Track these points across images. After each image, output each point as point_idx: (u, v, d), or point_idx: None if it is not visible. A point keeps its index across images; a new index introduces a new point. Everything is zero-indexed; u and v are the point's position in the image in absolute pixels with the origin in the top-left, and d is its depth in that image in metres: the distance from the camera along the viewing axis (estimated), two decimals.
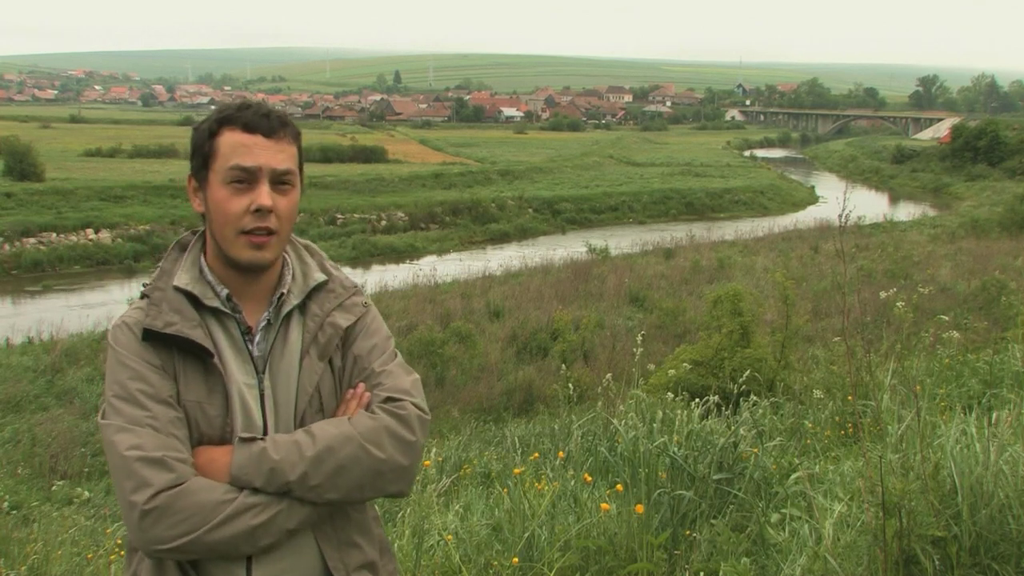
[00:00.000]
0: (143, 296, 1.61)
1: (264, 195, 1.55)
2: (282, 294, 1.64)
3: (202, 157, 1.58)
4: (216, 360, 1.55)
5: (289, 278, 1.66)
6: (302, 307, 1.66)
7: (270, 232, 1.57)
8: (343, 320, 1.67)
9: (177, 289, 1.57)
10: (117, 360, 1.54)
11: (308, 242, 1.77)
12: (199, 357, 1.55)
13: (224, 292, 1.60)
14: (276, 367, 1.61)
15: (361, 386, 1.64)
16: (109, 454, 1.48)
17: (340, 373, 1.66)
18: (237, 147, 1.54)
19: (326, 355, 1.64)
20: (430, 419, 1.67)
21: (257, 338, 1.62)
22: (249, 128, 1.55)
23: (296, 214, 1.64)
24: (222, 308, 1.60)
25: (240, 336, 1.61)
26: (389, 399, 1.62)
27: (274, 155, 1.56)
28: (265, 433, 1.57)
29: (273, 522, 1.49)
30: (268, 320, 1.63)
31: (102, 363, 17.59)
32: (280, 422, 1.59)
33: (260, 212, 1.55)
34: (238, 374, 1.58)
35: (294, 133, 1.62)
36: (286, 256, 1.69)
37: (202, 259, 1.64)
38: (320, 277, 1.69)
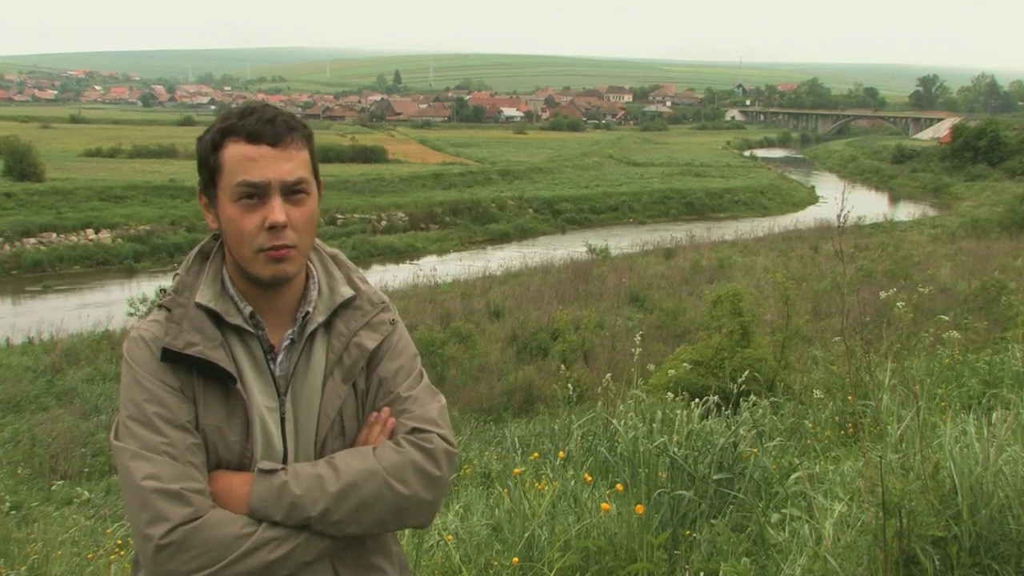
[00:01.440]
0: (160, 307, 1.53)
1: (276, 211, 1.45)
2: (308, 312, 1.56)
3: (208, 172, 1.49)
4: (239, 386, 1.48)
5: (314, 294, 1.58)
6: (327, 324, 1.58)
7: (288, 246, 1.48)
8: (369, 341, 1.58)
9: (199, 306, 1.49)
10: (133, 378, 1.46)
11: (336, 251, 1.68)
12: (220, 380, 1.48)
13: (248, 310, 1.52)
14: (298, 389, 1.54)
15: (386, 410, 1.57)
16: (124, 480, 1.42)
17: (363, 396, 1.59)
18: (242, 161, 1.44)
19: (350, 378, 1.56)
20: (456, 451, 1.60)
21: (280, 357, 1.54)
22: (253, 138, 1.45)
23: (316, 222, 1.53)
24: (245, 326, 1.52)
25: (263, 356, 1.53)
26: (416, 430, 1.54)
27: (283, 165, 1.46)
28: (285, 458, 1.51)
29: (291, 556, 1.43)
30: (292, 339, 1.55)
31: (102, 363, 17.60)
32: (300, 447, 1.53)
33: (274, 229, 1.45)
34: (260, 397, 1.51)
35: (304, 136, 1.51)
36: (311, 267, 1.60)
37: (224, 271, 1.55)
38: (347, 292, 1.60)
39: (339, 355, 1.56)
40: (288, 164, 1.47)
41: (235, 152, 1.45)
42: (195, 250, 1.59)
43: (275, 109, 1.51)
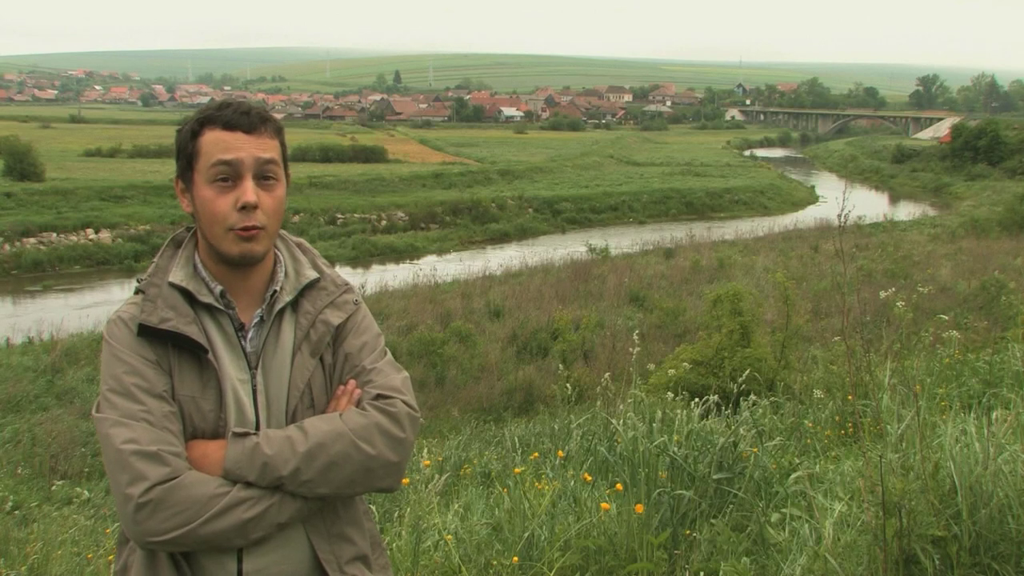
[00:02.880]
0: (137, 291, 1.62)
1: (249, 191, 1.56)
2: (275, 291, 1.66)
3: (186, 158, 1.60)
4: (211, 356, 1.57)
5: (282, 275, 1.69)
6: (294, 304, 1.68)
7: (258, 227, 1.58)
8: (335, 318, 1.69)
9: (172, 285, 1.59)
10: (112, 354, 1.55)
11: (300, 240, 1.79)
12: (194, 353, 1.57)
13: (218, 289, 1.62)
14: (269, 363, 1.63)
15: (352, 383, 1.67)
16: (104, 447, 1.49)
17: (331, 370, 1.68)
18: (219, 144, 1.56)
19: (318, 352, 1.66)
20: (420, 416, 1.70)
21: (250, 334, 1.63)
22: (230, 126, 1.57)
23: (283, 209, 1.66)
24: (216, 304, 1.61)
25: (234, 332, 1.62)
26: (380, 396, 1.64)
27: (256, 149, 1.58)
28: (257, 428, 1.59)
29: (265, 516, 1.51)
30: (261, 317, 1.65)
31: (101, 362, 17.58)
32: (272, 417, 1.61)
33: (246, 209, 1.56)
34: (232, 370, 1.60)
35: (275, 128, 1.64)
36: (278, 253, 1.72)
37: (196, 256, 1.65)
38: (312, 275, 1.71)
39: (306, 331, 1.66)
40: (261, 149, 1.59)
41: (212, 138, 1.58)
42: (168, 239, 1.69)
43: (250, 103, 1.64)
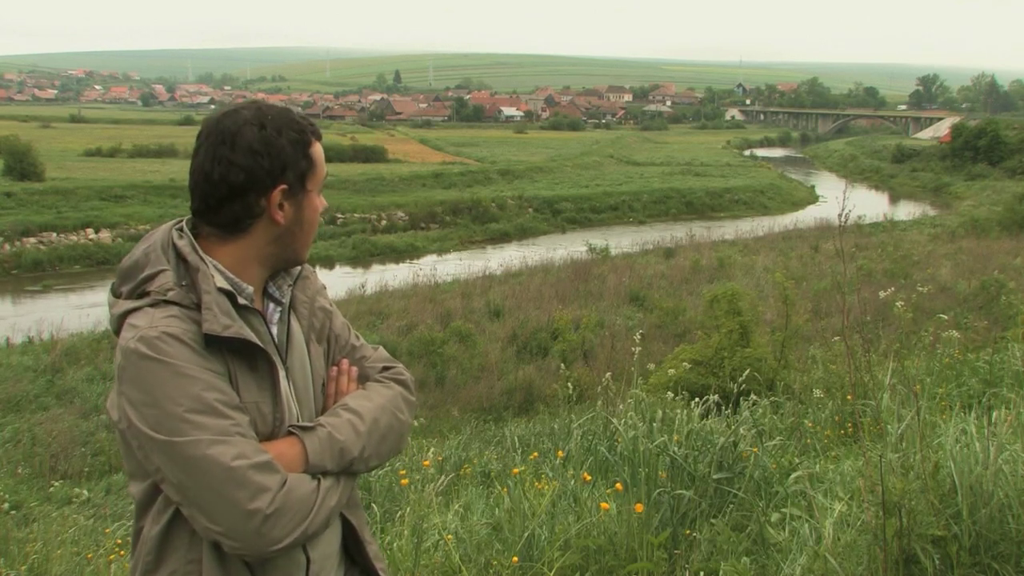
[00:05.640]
0: (160, 303, 1.50)
1: (323, 199, 1.68)
2: (291, 285, 1.69)
3: (301, 170, 1.60)
4: (275, 359, 1.57)
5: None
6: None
7: None
8: (325, 304, 1.75)
9: (220, 290, 1.53)
10: (177, 373, 1.44)
11: None
12: (246, 357, 1.53)
13: (249, 290, 1.59)
14: (291, 356, 1.65)
15: (345, 362, 1.73)
16: (205, 469, 1.41)
17: (326, 353, 1.75)
18: (322, 156, 1.65)
19: (323, 339, 1.73)
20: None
21: (275, 330, 1.64)
22: (320, 138, 1.66)
23: None
24: (250, 305, 1.58)
25: (266, 330, 1.61)
26: (386, 368, 1.76)
27: None
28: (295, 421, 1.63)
29: (340, 500, 1.57)
30: (280, 312, 1.67)
31: (102, 363, 17.58)
32: (304, 407, 1.64)
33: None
34: (279, 368, 1.60)
35: None
36: None
37: (210, 260, 1.61)
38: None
39: (309, 320, 1.71)
40: None
41: (319, 150, 1.65)
42: (182, 242, 1.60)
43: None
